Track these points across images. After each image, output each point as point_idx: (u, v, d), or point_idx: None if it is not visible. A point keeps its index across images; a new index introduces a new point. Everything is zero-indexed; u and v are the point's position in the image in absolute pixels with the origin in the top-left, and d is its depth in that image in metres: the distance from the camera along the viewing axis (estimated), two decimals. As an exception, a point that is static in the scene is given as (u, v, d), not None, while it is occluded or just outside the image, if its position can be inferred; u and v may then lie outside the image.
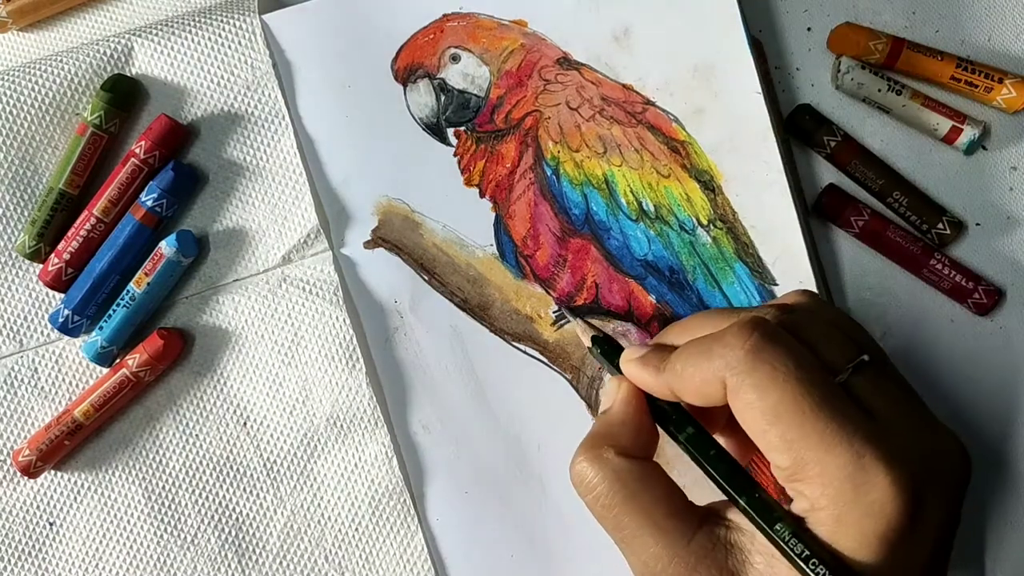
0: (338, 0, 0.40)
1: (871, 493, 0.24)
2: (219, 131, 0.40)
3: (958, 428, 0.28)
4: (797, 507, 0.26)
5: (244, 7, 0.40)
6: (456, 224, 0.40)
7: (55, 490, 0.41)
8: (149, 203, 0.38)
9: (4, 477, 0.40)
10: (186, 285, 0.40)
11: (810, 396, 0.25)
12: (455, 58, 0.40)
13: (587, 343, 0.35)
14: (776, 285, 0.39)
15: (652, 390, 0.30)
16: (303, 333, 0.40)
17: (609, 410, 0.31)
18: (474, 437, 0.39)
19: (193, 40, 0.40)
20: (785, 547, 0.25)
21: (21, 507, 0.40)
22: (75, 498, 0.40)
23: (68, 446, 0.39)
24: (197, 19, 0.40)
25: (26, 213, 0.40)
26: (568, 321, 0.39)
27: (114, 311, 0.39)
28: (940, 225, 0.39)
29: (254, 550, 0.40)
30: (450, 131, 0.40)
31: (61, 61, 0.40)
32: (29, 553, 0.40)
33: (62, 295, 0.39)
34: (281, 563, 0.40)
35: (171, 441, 0.40)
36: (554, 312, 0.40)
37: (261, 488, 0.40)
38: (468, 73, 0.40)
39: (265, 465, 0.40)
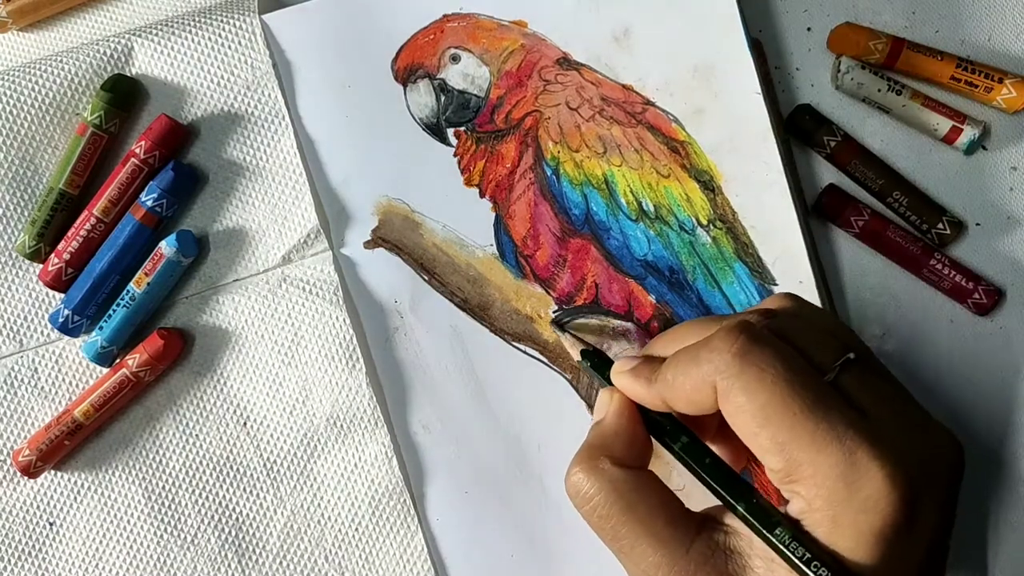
0: (338, 0, 0.40)
1: (864, 490, 0.24)
2: (219, 131, 0.40)
3: (957, 428, 0.28)
4: (793, 509, 0.26)
5: (244, 7, 0.40)
6: (456, 224, 0.40)
7: (55, 490, 0.41)
8: (149, 203, 0.38)
9: (4, 477, 0.40)
10: (186, 285, 0.40)
11: (799, 396, 0.25)
12: (455, 58, 0.40)
13: (576, 356, 0.35)
14: (776, 285, 0.39)
15: (644, 401, 0.30)
16: (303, 333, 0.40)
17: (602, 421, 0.31)
18: (474, 437, 0.39)
19: (193, 40, 0.40)
20: (786, 551, 0.25)
21: (21, 507, 0.40)
22: (75, 498, 0.40)
23: (68, 446, 0.39)
24: (197, 19, 0.40)
25: (26, 213, 0.40)
26: (569, 320, 0.39)
27: (114, 311, 0.39)
28: (940, 225, 0.39)
29: (254, 550, 0.40)
30: (450, 131, 0.40)
31: (61, 61, 0.40)
32: (29, 553, 0.40)
33: (62, 295, 0.39)
34: (281, 563, 0.40)
35: (171, 441, 0.40)
36: (554, 312, 0.40)
37: (261, 488, 0.40)
38: (468, 73, 0.40)
39: (265, 465, 0.40)
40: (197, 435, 0.40)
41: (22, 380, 0.40)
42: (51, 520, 0.40)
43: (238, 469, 0.40)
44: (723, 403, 0.26)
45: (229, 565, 0.40)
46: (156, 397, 0.40)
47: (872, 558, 0.24)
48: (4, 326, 0.40)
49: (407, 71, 0.40)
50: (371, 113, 0.40)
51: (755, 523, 0.26)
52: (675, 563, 0.27)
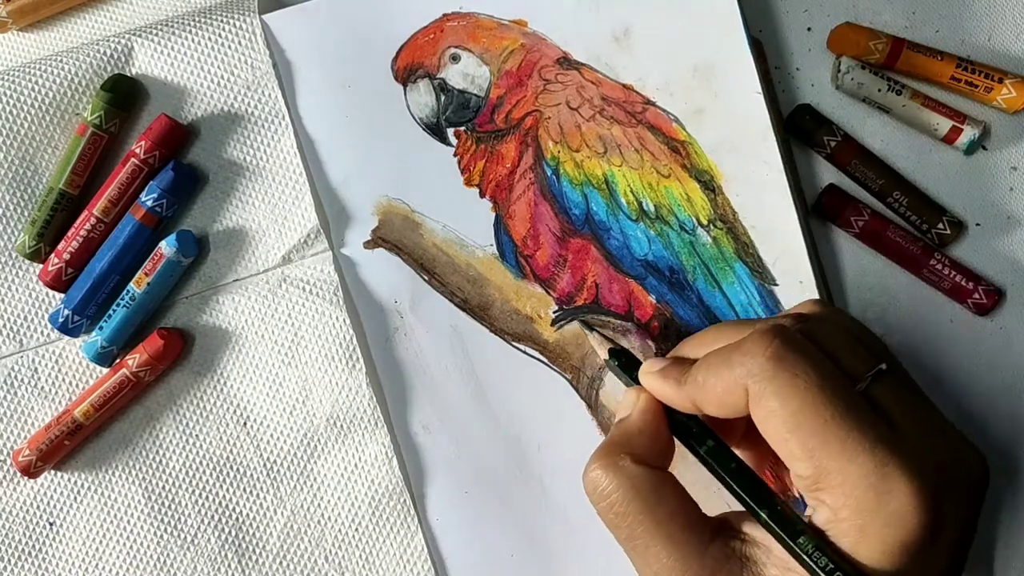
0: (338, 0, 0.40)
1: (893, 503, 0.24)
2: (219, 131, 0.40)
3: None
4: (819, 519, 0.25)
5: (244, 7, 0.40)
6: (456, 224, 0.40)
7: (55, 490, 0.41)
8: (149, 203, 0.38)
9: (4, 477, 0.40)
10: (186, 285, 0.40)
11: (832, 404, 0.24)
12: (455, 58, 0.40)
13: (604, 356, 0.35)
14: (776, 285, 0.39)
15: (673, 402, 0.30)
16: (303, 333, 0.40)
17: (627, 419, 0.31)
18: (474, 437, 0.39)
19: (193, 40, 0.40)
20: (808, 560, 0.25)
21: (21, 507, 0.40)
22: (75, 498, 0.40)
23: (68, 446, 0.39)
24: (197, 19, 0.40)
25: (26, 213, 0.40)
26: (567, 321, 0.39)
27: (114, 311, 0.39)
28: (940, 225, 0.39)
29: (254, 550, 0.40)
30: (450, 131, 0.40)
31: (61, 61, 0.40)
32: (29, 553, 0.40)
33: (62, 295, 0.39)
34: (281, 563, 0.40)
35: (171, 441, 0.40)
36: (554, 312, 0.40)
37: (261, 488, 0.40)
38: (468, 73, 0.40)
39: (265, 465, 0.40)
40: (197, 435, 0.40)
41: (22, 380, 0.40)
42: (51, 520, 0.40)
43: (238, 469, 0.40)
44: (754, 407, 0.26)
45: (229, 565, 0.40)
46: (156, 397, 0.40)
47: (895, 571, 0.24)
48: (4, 326, 0.40)
49: (407, 71, 0.40)
50: (371, 113, 0.40)
51: (779, 531, 0.26)
52: (689, 567, 0.27)
